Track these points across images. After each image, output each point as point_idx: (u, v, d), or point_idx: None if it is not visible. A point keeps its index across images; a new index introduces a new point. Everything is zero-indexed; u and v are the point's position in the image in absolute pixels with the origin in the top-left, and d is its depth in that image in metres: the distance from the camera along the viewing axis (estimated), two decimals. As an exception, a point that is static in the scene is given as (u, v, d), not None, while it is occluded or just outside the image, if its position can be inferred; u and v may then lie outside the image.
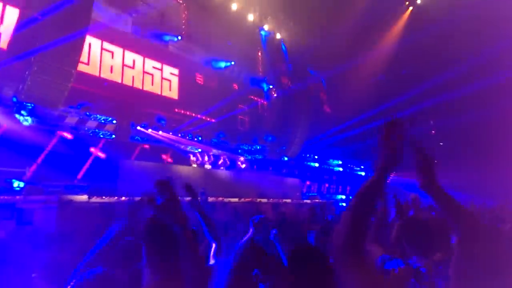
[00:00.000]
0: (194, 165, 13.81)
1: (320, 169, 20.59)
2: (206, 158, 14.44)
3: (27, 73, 9.31)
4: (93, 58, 12.62)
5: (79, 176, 10.31)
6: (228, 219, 6.77)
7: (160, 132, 13.69)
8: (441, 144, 21.74)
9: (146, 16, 14.60)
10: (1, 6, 10.22)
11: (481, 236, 1.50)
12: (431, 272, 2.07)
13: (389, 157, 1.38)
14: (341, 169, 21.95)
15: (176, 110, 15.33)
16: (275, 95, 19.94)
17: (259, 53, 19.80)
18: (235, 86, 18.54)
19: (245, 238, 3.08)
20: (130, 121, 12.93)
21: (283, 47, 19.72)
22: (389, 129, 1.40)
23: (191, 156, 14.03)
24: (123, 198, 8.38)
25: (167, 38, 15.33)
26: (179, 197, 1.78)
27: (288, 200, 13.33)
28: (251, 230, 3.21)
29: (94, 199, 8.04)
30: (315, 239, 4.20)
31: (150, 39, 14.73)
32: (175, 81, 15.60)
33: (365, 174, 22.35)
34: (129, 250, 2.51)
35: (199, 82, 16.79)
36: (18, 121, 9.47)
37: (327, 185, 20.57)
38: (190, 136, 15.02)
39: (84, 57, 11.59)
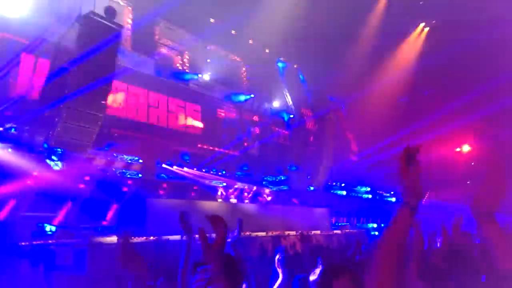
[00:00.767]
0: (220, 200, 13.78)
1: (348, 197, 20.07)
2: (230, 191, 14.40)
3: (56, 119, 9.71)
4: (119, 100, 13.12)
5: (108, 217, 10.44)
6: (255, 254, 6.61)
7: (185, 169, 13.83)
8: (472, 163, 21.27)
9: (167, 57, 15.20)
10: (34, 59, 10.89)
11: None
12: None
13: (411, 189, 1.33)
14: (370, 195, 21.32)
15: (200, 145, 15.53)
16: (296, 124, 19.96)
17: (278, 84, 20.08)
18: (256, 118, 18.73)
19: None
20: (155, 160, 13.17)
21: (301, 76, 19.93)
22: (405, 159, 1.35)
23: (219, 190, 14.05)
24: (152, 238, 8.39)
25: (187, 76, 15.84)
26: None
27: (318, 232, 12.97)
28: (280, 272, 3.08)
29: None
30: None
31: (172, 79, 15.25)
32: (197, 117, 15.94)
33: (395, 200, 21.58)
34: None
35: (221, 116, 17.09)
36: (49, 167, 9.80)
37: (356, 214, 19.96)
38: (214, 170, 15.08)
39: (110, 100, 12.05)
